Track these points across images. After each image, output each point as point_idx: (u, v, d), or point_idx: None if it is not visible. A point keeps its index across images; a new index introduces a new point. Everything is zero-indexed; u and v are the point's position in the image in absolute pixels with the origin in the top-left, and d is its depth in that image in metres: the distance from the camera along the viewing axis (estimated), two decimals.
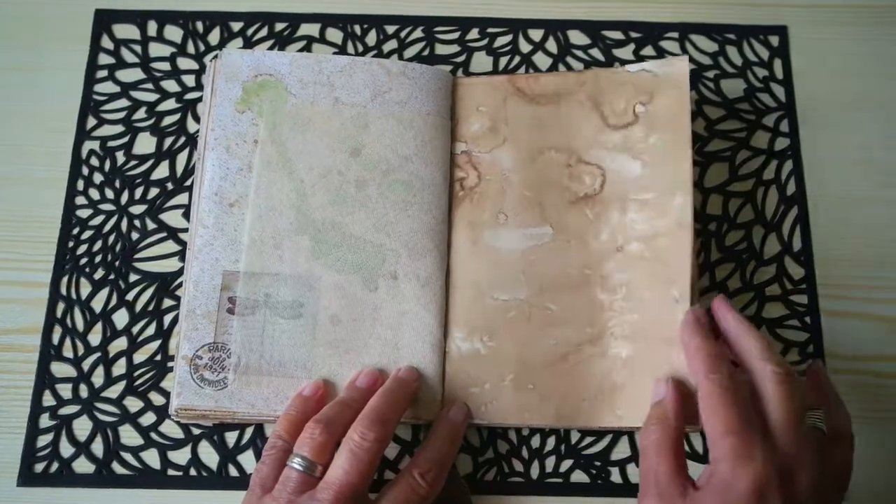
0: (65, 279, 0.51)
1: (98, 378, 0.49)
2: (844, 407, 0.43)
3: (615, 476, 0.48)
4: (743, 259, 0.52)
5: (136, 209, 0.53)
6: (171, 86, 0.55)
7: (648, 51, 0.57)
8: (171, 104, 0.55)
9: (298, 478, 0.39)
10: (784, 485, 0.36)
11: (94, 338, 0.50)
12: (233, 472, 0.48)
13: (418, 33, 0.57)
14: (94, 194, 0.53)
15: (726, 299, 0.44)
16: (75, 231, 0.52)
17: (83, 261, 0.51)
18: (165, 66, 0.56)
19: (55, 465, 0.48)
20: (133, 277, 0.51)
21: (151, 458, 0.48)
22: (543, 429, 0.48)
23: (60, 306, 0.51)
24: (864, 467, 0.48)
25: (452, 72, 0.56)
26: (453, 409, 0.45)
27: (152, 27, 0.57)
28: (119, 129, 0.54)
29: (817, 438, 0.39)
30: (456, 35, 0.57)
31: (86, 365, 0.49)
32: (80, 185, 0.53)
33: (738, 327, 0.42)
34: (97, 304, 0.51)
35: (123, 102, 0.55)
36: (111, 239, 0.52)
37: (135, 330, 0.50)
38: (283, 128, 0.50)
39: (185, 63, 0.56)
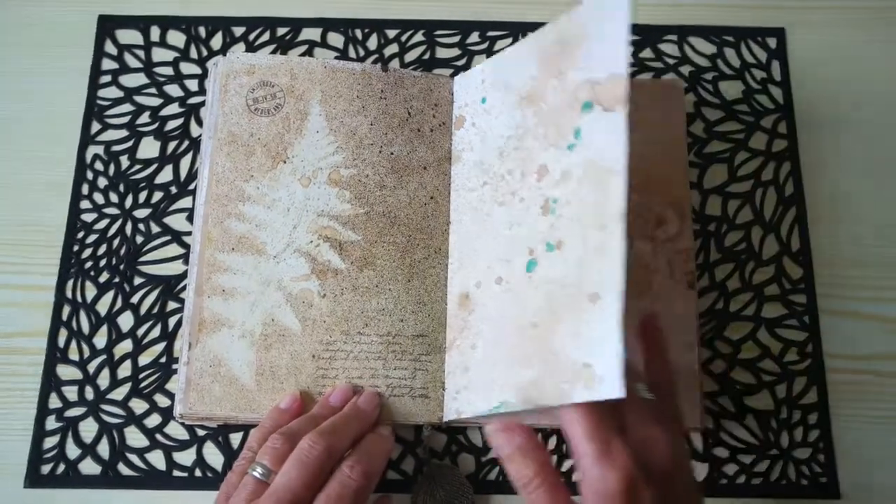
0: (70, 282, 0.51)
1: (104, 380, 0.50)
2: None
3: None
4: (742, 259, 0.53)
5: (141, 213, 0.53)
6: (174, 90, 0.56)
7: (647, 53, 0.57)
8: (174, 108, 0.55)
9: (253, 484, 0.40)
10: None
11: (100, 340, 0.50)
12: None
13: (419, 37, 0.58)
14: (99, 198, 0.53)
15: (496, 429, 0.39)
16: (80, 235, 0.53)
17: (88, 264, 0.52)
18: (168, 70, 0.56)
19: (62, 467, 0.48)
20: (138, 280, 0.52)
21: (157, 459, 0.48)
22: (545, 428, 0.49)
23: (66, 309, 0.51)
24: (863, 465, 0.49)
25: (453, 75, 0.56)
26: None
27: (155, 32, 0.57)
28: (123, 133, 0.55)
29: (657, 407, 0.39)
30: (456, 38, 0.58)
31: (91, 367, 0.50)
32: (85, 189, 0.54)
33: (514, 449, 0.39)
34: (102, 307, 0.51)
35: (127, 107, 0.55)
36: (116, 242, 0.52)
37: (140, 332, 0.51)
38: None
39: (188, 68, 0.57)
